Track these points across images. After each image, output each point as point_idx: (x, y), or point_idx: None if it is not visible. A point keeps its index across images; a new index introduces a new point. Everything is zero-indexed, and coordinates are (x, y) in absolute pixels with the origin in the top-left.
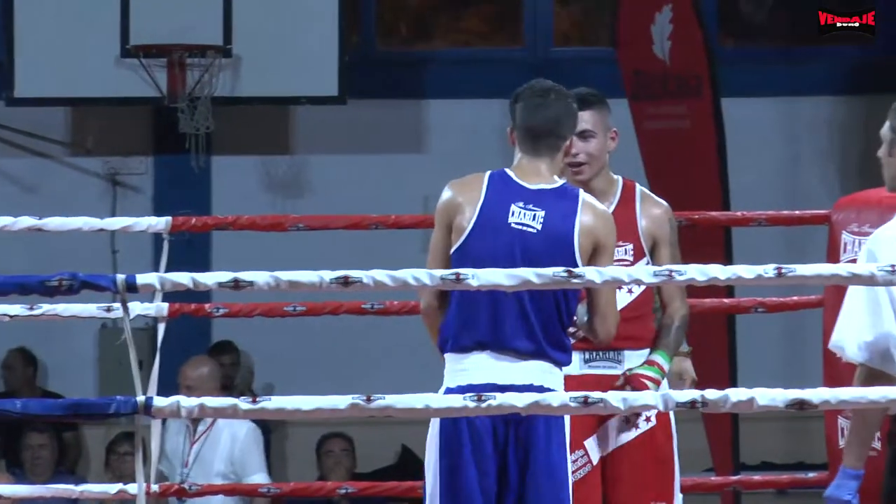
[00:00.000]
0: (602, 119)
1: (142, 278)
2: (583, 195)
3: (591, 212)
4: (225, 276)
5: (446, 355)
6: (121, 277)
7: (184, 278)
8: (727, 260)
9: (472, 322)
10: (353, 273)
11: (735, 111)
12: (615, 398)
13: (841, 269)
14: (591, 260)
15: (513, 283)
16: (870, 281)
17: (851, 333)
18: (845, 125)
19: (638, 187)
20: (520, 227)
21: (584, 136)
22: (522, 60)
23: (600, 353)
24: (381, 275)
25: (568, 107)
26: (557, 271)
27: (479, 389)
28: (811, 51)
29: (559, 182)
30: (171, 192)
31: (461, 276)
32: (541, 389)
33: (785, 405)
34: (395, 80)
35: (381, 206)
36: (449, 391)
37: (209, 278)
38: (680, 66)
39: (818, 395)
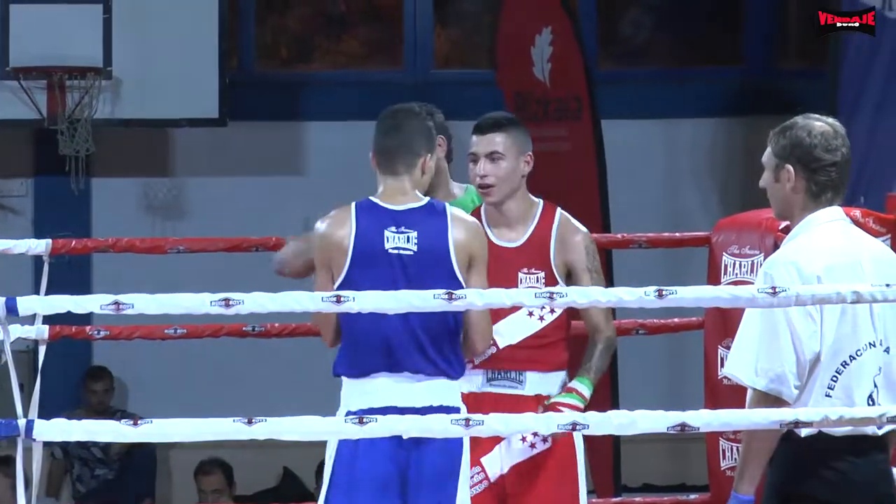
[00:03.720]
0: (514, 142)
1: (22, 301)
2: (450, 209)
3: (461, 225)
4: (106, 298)
5: (343, 379)
6: (1, 300)
7: (65, 301)
8: (608, 282)
9: (364, 347)
10: (234, 295)
11: (615, 133)
12: (496, 420)
13: (722, 291)
14: (469, 271)
15: (394, 305)
16: (751, 303)
17: (748, 359)
18: (725, 147)
19: (559, 212)
20: (397, 251)
21: (493, 158)
22: (402, 82)
23: (502, 373)
24: (263, 297)
25: (420, 124)
26: (438, 293)
27: (380, 412)
28: (690, 72)
29: (425, 199)
30: (51, 214)
31: (342, 298)
32: (440, 409)
33: (667, 428)
34: (275, 102)
35: (261, 228)
36: (349, 414)
37: (90, 301)
38: (560, 89)
39: (700, 417)
